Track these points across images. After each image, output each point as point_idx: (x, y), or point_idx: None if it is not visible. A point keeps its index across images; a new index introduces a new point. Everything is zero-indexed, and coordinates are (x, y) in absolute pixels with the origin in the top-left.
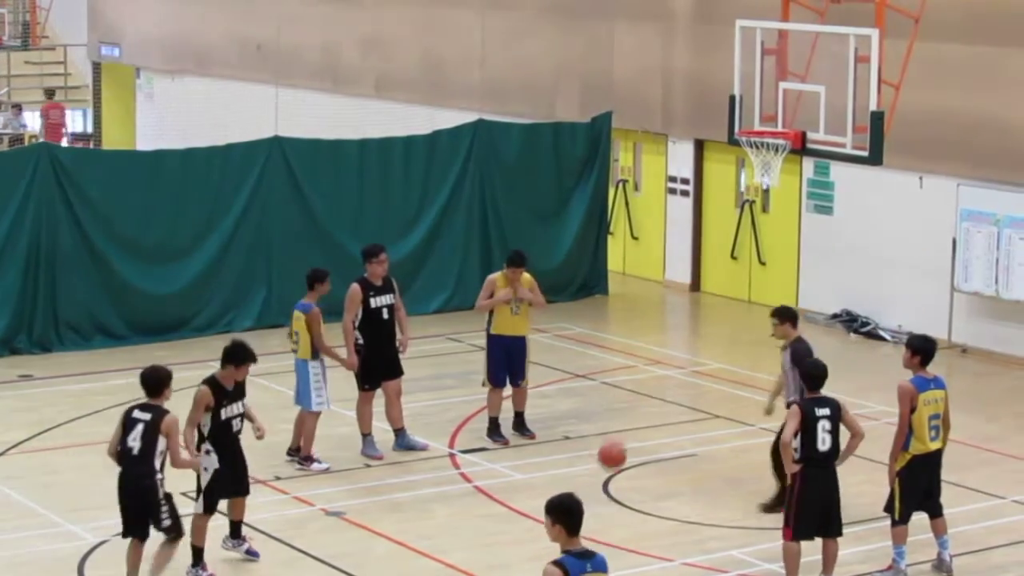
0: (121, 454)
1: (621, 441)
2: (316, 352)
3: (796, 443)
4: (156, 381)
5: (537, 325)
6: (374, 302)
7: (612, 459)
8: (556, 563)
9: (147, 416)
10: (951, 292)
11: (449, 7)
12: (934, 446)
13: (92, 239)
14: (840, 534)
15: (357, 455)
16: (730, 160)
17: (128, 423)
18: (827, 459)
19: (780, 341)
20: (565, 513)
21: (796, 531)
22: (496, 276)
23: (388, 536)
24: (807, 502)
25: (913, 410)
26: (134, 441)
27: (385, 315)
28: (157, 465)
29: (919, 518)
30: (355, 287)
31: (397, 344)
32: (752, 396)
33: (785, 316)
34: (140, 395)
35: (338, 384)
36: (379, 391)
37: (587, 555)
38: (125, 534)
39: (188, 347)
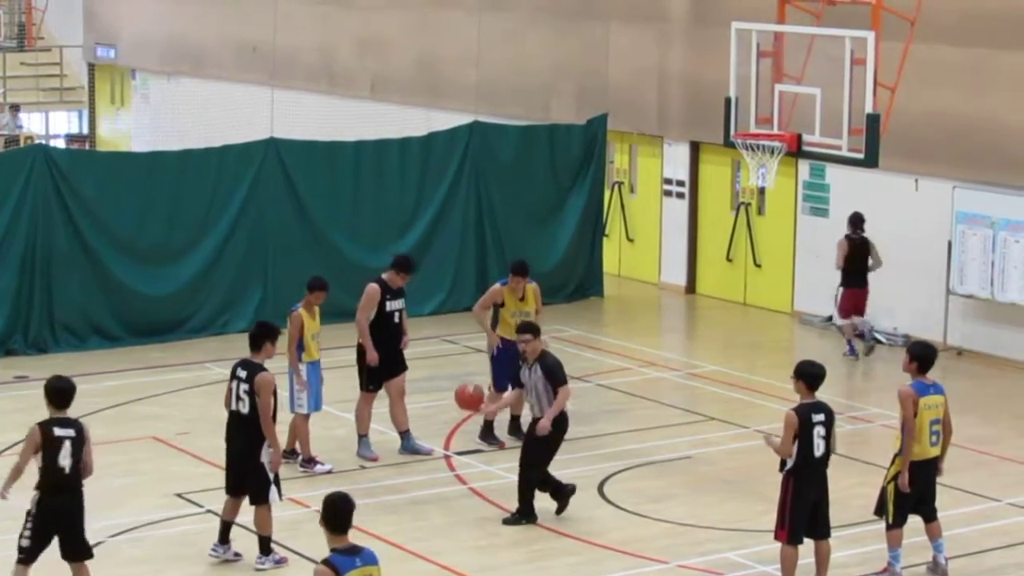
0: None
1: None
2: (299, 355)
3: (792, 448)
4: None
5: None
6: (389, 305)
7: (467, 402)
8: (324, 562)
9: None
10: (946, 294)
11: (445, 8)
12: (933, 452)
13: (88, 240)
14: (828, 535)
15: (353, 456)
16: (726, 162)
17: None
18: (820, 464)
19: (533, 356)
20: (326, 510)
21: (791, 533)
22: (500, 288)
23: (383, 538)
24: (799, 505)
25: (915, 414)
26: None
27: (396, 319)
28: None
29: (914, 520)
30: (374, 287)
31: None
32: (747, 398)
33: (538, 332)
34: (131, 396)
35: (335, 385)
36: (384, 394)
37: (355, 551)
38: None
39: (184, 348)
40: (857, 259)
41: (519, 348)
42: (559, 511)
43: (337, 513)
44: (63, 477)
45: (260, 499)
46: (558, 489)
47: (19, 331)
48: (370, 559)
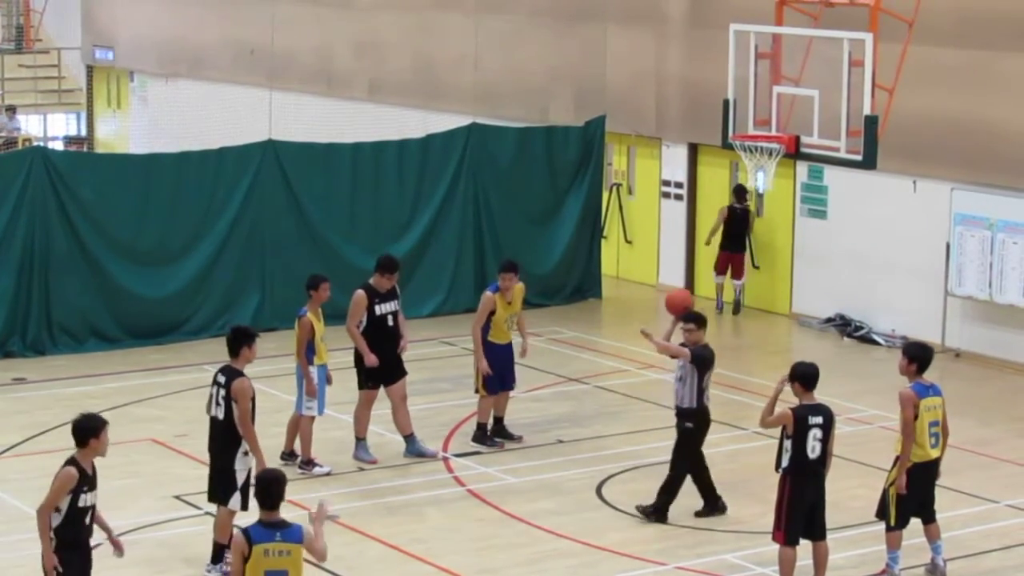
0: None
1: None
2: (310, 358)
3: (787, 445)
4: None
5: (530, 329)
6: (379, 309)
7: (676, 305)
8: (241, 530)
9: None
10: (945, 296)
11: (442, 10)
12: (934, 453)
13: (86, 242)
14: (824, 537)
15: (351, 459)
16: (724, 164)
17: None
18: (816, 466)
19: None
20: (256, 486)
21: (788, 534)
22: (492, 297)
23: (381, 539)
24: (796, 505)
25: (915, 416)
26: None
27: (390, 322)
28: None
29: (913, 522)
30: (360, 294)
31: (399, 349)
32: (745, 400)
33: (704, 323)
34: (130, 398)
35: (335, 388)
36: (383, 397)
37: (279, 525)
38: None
39: (182, 350)
40: (735, 226)
41: (683, 336)
42: (704, 512)
43: (264, 489)
44: None
45: (222, 500)
46: (714, 501)
47: (17, 333)
48: (292, 536)
